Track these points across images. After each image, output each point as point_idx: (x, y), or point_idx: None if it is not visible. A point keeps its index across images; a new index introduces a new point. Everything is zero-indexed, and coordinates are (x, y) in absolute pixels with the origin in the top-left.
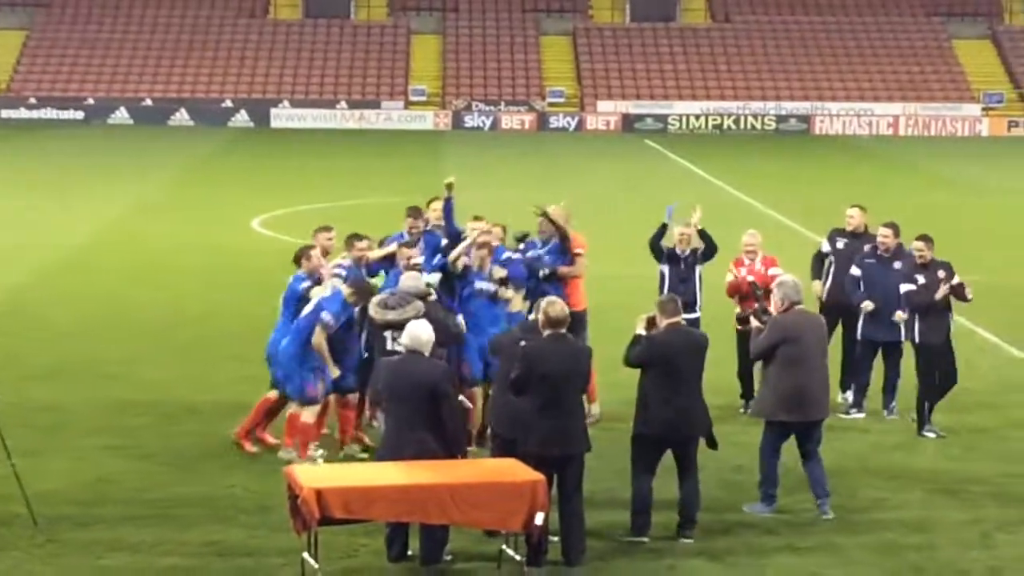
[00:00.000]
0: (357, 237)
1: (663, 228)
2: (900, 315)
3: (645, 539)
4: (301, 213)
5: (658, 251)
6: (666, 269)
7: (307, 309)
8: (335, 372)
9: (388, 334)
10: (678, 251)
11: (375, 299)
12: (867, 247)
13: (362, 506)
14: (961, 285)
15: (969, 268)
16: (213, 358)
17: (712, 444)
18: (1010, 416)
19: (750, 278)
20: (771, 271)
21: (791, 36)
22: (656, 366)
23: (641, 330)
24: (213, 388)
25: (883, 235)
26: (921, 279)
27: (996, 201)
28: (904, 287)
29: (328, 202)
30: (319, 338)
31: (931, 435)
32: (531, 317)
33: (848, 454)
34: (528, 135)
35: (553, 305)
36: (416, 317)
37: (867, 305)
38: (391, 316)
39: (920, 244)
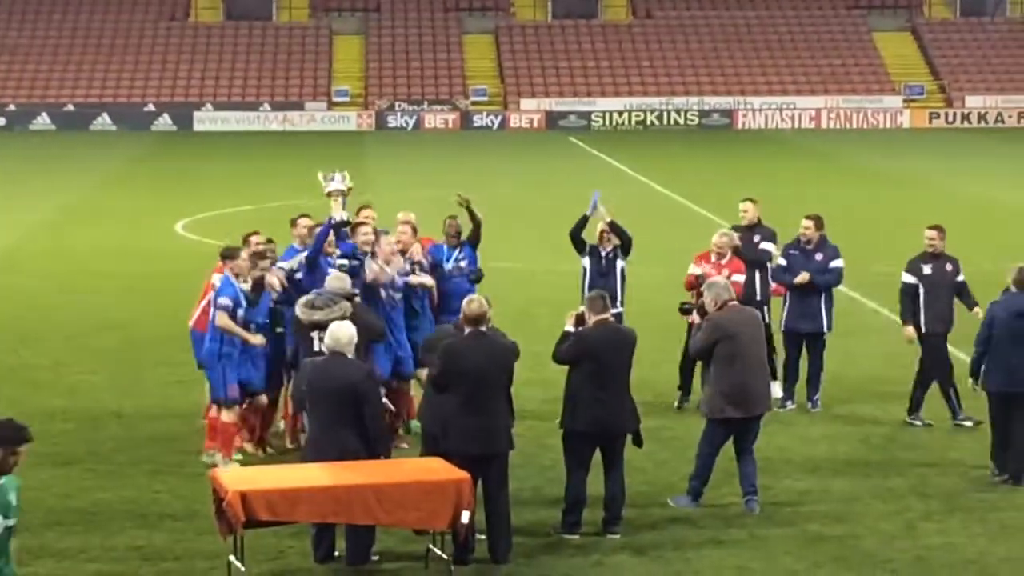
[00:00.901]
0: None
1: (584, 218)
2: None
3: (576, 536)
4: (225, 216)
5: (579, 243)
6: (587, 263)
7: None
8: (255, 340)
9: (315, 335)
10: (600, 247)
11: (301, 300)
12: (794, 240)
13: (287, 508)
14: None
15: (890, 259)
16: (139, 363)
17: (638, 442)
18: (933, 407)
19: (697, 271)
20: (734, 278)
21: (713, 31)
22: (585, 363)
23: (570, 327)
24: (139, 393)
25: (805, 227)
26: (927, 269)
27: (917, 193)
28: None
29: (253, 204)
30: (222, 320)
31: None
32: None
33: (772, 446)
34: (452, 134)
35: (470, 303)
36: (343, 317)
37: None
38: (318, 316)
39: (932, 233)
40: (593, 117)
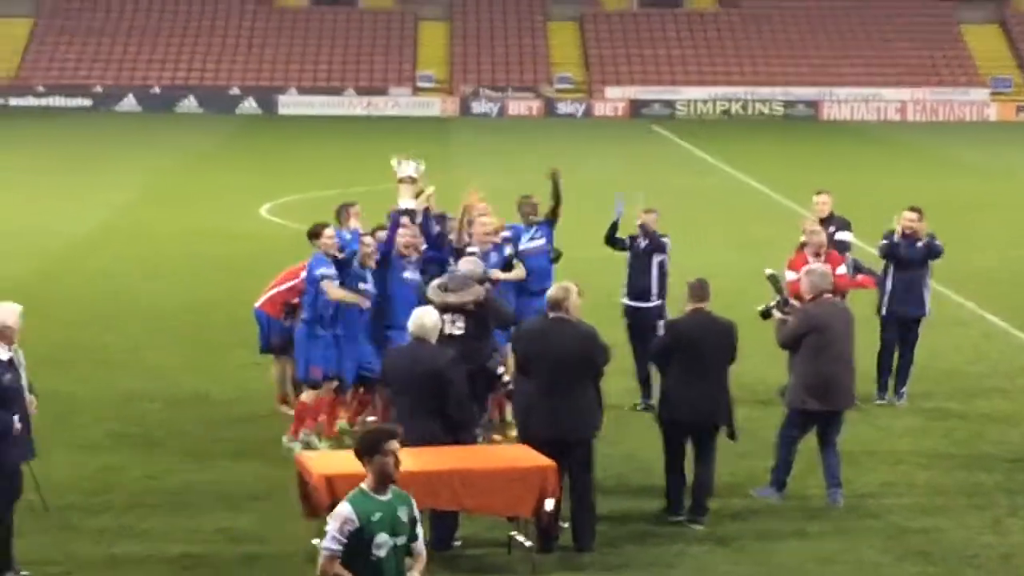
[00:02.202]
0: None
1: (614, 225)
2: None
3: (681, 518)
4: (310, 200)
5: (617, 243)
6: (629, 257)
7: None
8: (364, 303)
9: (447, 317)
10: (636, 241)
11: (434, 282)
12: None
13: None
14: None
15: (977, 252)
16: (221, 345)
17: (732, 435)
18: (1019, 402)
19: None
20: (838, 271)
21: (799, 20)
22: (678, 352)
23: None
24: (221, 375)
25: (908, 218)
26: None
27: (1004, 186)
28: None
29: (337, 188)
30: (333, 290)
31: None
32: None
33: (854, 439)
34: (535, 121)
35: (555, 288)
36: (476, 302)
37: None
38: (451, 299)
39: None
40: (677, 106)
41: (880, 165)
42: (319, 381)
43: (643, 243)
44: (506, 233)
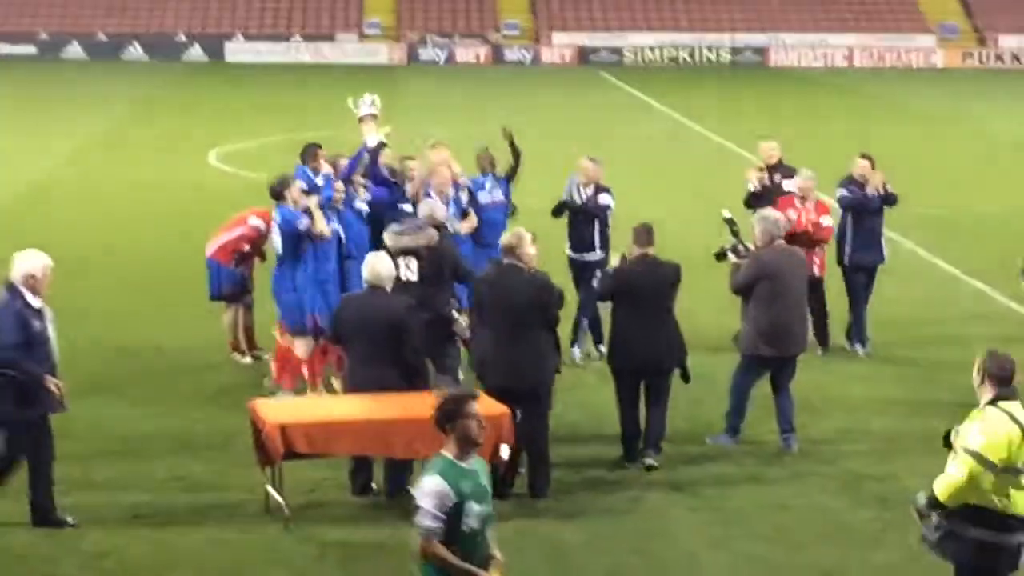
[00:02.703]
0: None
1: (563, 204)
2: None
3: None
4: (258, 147)
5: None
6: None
7: (276, 239)
8: (322, 230)
9: (401, 261)
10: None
11: (391, 225)
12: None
13: (325, 441)
14: None
15: (928, 199)
16: (174, 296)
17: (686, 377)
18: (969, 348)
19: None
20: (822, 219)
21: None
22: (624, 298)
23: (616, 262)
24: (176, 325)
25: (861, 166)
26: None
27: (951, 131)
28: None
29: (284, 135)
30: (318, 224)
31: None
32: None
33: (809, 385)
34: (483, 68)
35: (506, 235)
36: (429, 245)
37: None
38: (404, 241)
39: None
40: (625, 52)
41: (828, 112)
42: (313, 329)
43: (585, 196)
44: (464, 180)
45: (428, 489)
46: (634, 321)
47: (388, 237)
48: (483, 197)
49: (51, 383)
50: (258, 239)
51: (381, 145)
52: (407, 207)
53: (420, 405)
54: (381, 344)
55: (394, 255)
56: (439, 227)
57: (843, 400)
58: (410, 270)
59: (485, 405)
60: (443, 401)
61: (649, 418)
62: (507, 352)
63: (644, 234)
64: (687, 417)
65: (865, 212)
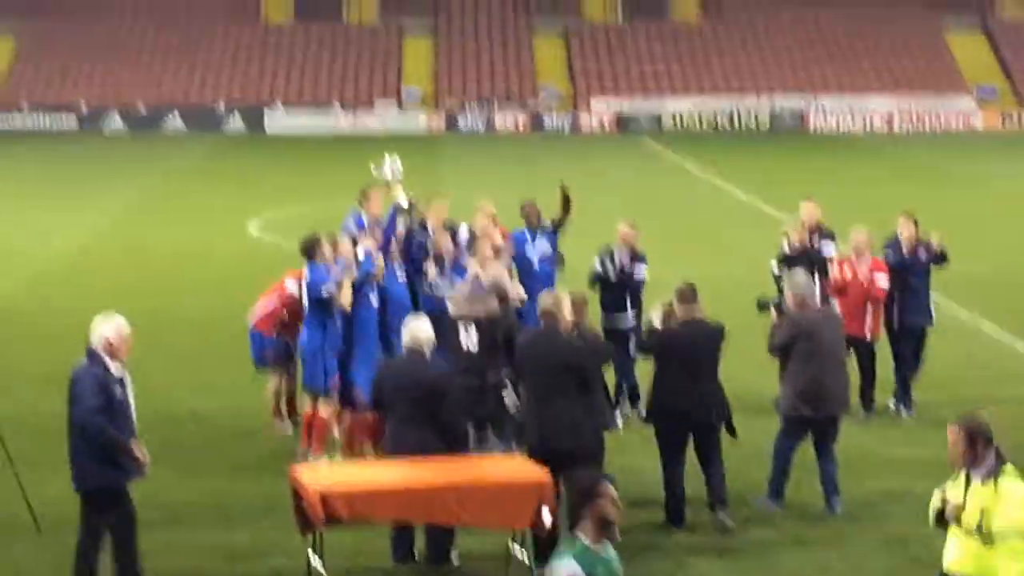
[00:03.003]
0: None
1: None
2: None
3: (682, 528)
4: (298, 216)
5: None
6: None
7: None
8: (345, 303)
9: (461, 326)
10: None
11: (456, 289)
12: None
13: (367, 507)
14: None
15: (967, 259)
16: (213, 363)
17: (732, 432)
18: (1011, 408)
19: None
20: (876, 276)
21: (783, 31)
22: (671, 358)
23: (657, 320)
24: (215, 392)
25: (906, 227)
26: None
27: (992, 194)
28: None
29: (324, 203)
30: (342, 298)
31: None
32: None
33: (852, 446)
34: (523, 136)
35: (543, 297)
36: (489, 315)
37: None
38: (467, 309)
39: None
40: (663, 119)
41: (867, 175)
42: (340, 393)
43: (621, 264)
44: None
45: (561, 574)
46: (680, 379)
47: (451, 304)
48: (529, 251)
49: (136, 449)
50: (294, 304)
51: (411, 206)
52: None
53: (462, 471)
54: (421, 409)
55: (455, 321)
56: (503, 297)
57: (886, 461)
58: (470, 338)
59: (527, 470)
60: (577, 481)
61: (708, 478)
62: (542, 415)
63: (690, 294)
64: (729, 480)
65: (910, 273)
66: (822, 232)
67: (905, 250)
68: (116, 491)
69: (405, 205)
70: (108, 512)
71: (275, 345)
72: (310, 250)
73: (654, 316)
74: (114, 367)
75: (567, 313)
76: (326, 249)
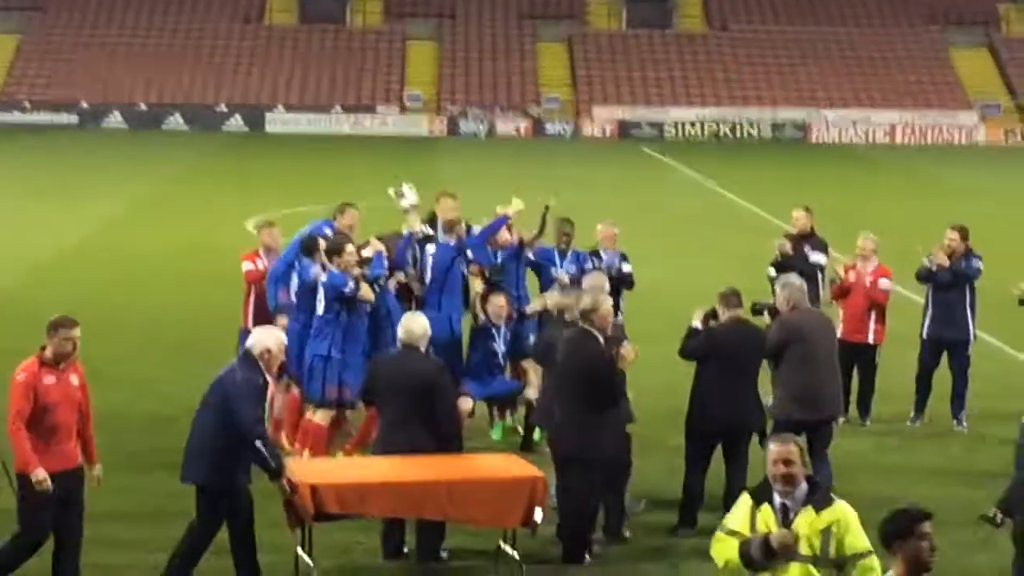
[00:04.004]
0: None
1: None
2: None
3: (692, 531)
4: (296, 215)
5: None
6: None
7: (319, 305)
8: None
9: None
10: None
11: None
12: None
13: (357, 502)
14: None
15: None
16: (205, 358)
17: (763, 441)
18: (1014, 421)
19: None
20: (880, 282)
21: (788, 43)
22: (715, 360)
23: (698, 323)
24: (206, 387)
25: (950, 237)
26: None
27: (995, 208)
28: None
29: (323, 204)
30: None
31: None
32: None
33: (846, 452)
34: (524, 142)
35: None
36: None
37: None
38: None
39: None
40: (666, 127)
41: (869, 187)
42: (347, 401)
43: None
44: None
45: None
46: (722, 383)
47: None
48: (556, 271)
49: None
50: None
51: (428, 237)
52: None
53: (453, 467)
54: (414, 405)
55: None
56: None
57: (881, 467)
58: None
59: (519, 467)
60: (894, 515)
61: (730, 484)
62: (567, 418)
63: (734, 298)
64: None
65: (936, 286)
66: (813, 241)
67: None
68: (239, 490)
69: (420, 233)
70: (227, 508)
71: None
72: (335, 250)
73: (695, 319)
74: (267, 376)
75: (606, 316)
76: (349, 250)
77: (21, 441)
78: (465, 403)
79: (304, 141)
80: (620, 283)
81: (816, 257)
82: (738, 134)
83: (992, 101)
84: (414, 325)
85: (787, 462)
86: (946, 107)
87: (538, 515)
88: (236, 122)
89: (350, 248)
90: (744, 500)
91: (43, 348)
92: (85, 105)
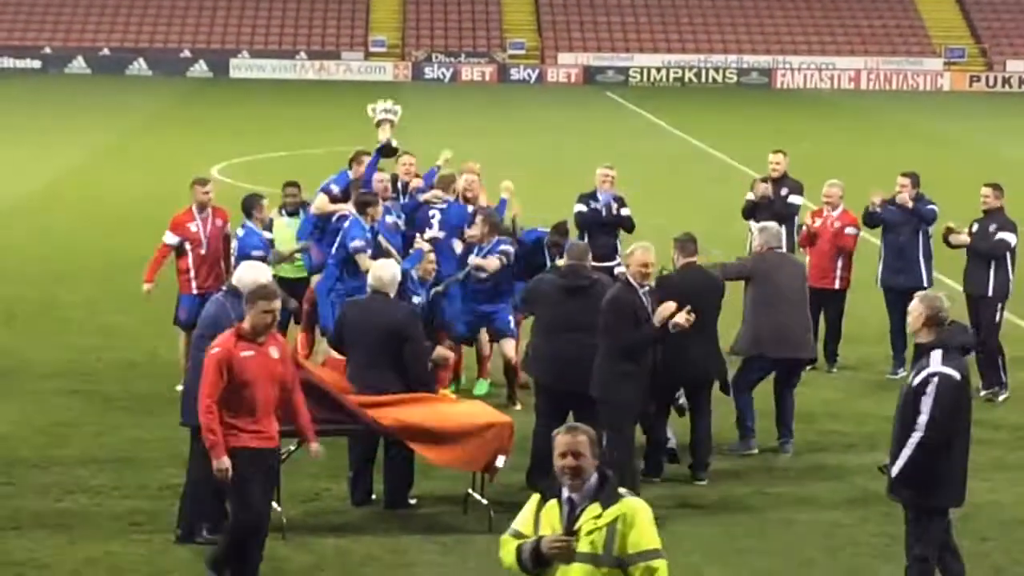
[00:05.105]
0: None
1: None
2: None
3: (657, 479)
4: (261, 161)
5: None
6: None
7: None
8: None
9: None
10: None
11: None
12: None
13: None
14: None
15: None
16: (172, 304)
17: (725, 389)
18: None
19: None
20: (846, 229)
21: None
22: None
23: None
24: (171, 334)
25: (901, 183)
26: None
27: (958, 154)
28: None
29: (288, 151)
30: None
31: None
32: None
33: (816, 400)
34: (489, 87)
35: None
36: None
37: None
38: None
39: (986, 191)
40: (631, 73)
41: (833, 133)
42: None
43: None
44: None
45: None
46: (679, 332)
47: None
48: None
49: None
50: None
51: (390, 146)
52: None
53: (420, 410)
54: (382, 350)
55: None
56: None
57: (852, 415)
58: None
59: (488, 413)
60: None
61: (697, 432)
62: (555, 349)
63: (690, 244)
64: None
65: (887, 229)
66: (789, 184)
67: (889, 206)
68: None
69: (383, 140)
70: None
71: (189, 302)
72: (365, 203)
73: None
74: None
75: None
76: (264, 207)
77: (211, 422)
78: (444, 352)
79: (269, 87)
80: (619, 225)
81: (794, 199)
82: (703, 80)
83: (957, 47)
84: (383, 272)
85: (575, 454)
86: (911, 53)
87: (500, 461)
88: (200, 68)
89: (378, 205)
90: (532, 498)
91: (240, 321)
92: (48, 50)
